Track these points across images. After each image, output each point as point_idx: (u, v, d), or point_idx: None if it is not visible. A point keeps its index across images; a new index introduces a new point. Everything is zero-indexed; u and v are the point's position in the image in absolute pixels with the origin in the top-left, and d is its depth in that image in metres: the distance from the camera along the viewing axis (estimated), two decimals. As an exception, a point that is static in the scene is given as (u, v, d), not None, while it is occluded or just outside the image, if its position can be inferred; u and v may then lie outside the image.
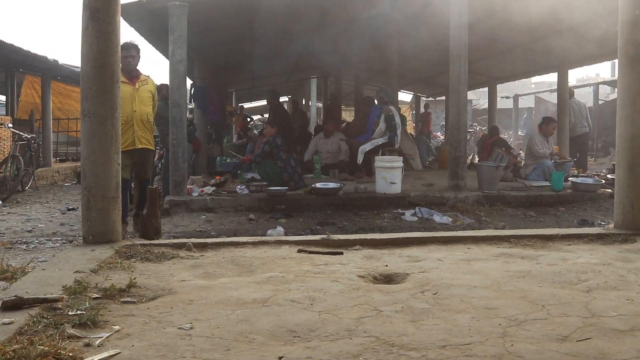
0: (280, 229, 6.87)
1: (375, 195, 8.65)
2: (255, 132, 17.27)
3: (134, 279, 3.42)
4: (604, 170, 12.90)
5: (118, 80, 4.63)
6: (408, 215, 7.83)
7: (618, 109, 5.20)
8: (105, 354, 2.32)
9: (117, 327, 2.65)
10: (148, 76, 7.12)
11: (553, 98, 19.92)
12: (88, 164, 4.51)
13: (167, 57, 9.02)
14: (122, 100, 5.77)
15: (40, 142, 13.59)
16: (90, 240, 4.51)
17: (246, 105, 27.07)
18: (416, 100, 24.45)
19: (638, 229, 5.05)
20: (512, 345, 2.45)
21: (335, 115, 15.25)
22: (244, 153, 13.70)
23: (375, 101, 11.15)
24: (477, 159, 15.31)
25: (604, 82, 24.01)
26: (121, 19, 4.83)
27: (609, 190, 8.69)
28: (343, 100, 21.20)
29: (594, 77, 37.41)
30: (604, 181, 9.60)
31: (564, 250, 4.52)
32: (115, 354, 2.34)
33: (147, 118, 6.84)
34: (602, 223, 7.16)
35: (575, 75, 66.67)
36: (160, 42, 11.04)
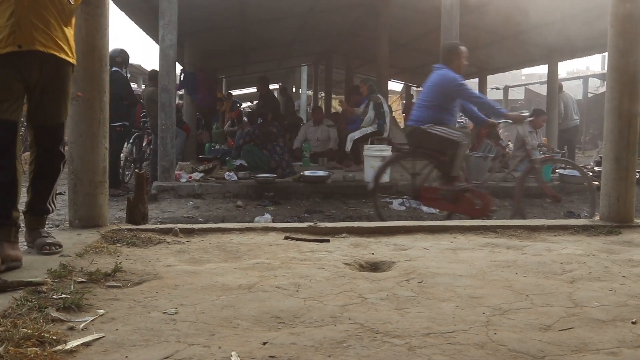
0: (267, 216, 6.87)
1: (363, 183, 8.67)
2: (245, 119, 17.23)
3: (120, 263, 3.41)
4: (591, 163, 12.97)
5: (107, 64, 4.60)
6: (396, 204, 7.86)
7: (606, 102, 5.22)
8: (89, 338, 2.32)
9: (101, 311, 2.65)
10: None
11: (543, 90, 19.97)
12: (75, 148, 4.49)
13: (157, 42, 8.97)
14: None
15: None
16: (77, 224, 4.49)
17: (237, 92, 26.98)
18: (407, 89, 24.47)
19: (623, 221, 5.09)
20: (495, 333, 2.47)
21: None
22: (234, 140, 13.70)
23: (361, 91, 11.12)
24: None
25: (594, 75, 24.12)
26: (111, 2, 4.80)
27: (596, 183, 8.74)
28: (333, 88, 21.18)
29: (584, 70, 37.54)
30: (591, 173, 9.65)
31: (549, 241, 4.54)
32: (99, 338, 2.33)
33: None
34: (588, 215, 7.21)
35: (565, 68, 66.96)
36: (150, 27, 11.01)
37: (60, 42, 3.60)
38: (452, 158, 6.26)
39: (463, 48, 6.44)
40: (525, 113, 7.14)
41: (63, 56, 3.63)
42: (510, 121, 6.55)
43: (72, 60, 3.75)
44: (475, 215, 6.06)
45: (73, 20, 3.81)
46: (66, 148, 4.00)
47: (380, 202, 6.78)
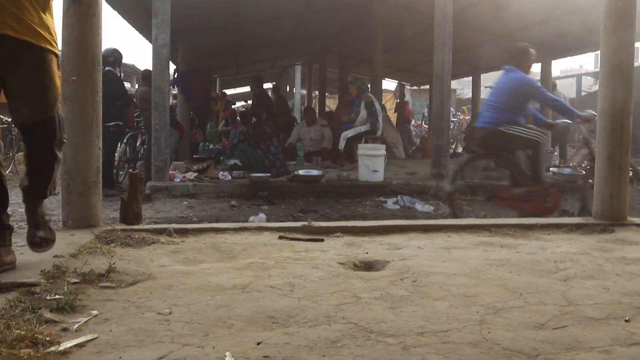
0: (262, 215, 6.87)
1: (357, 183, 8.67)
2: (239, 118, 17.22)
3: (114, 263, 3.40)
4: (585, 161, 12.96)
5: (99, 64, 4.59)
6: (390, 203, 7.86)
7: (599, 100, 5.24)
8: (82, 339, 2.31)
9: (95, 312, 2.64)
10: None
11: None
12: (69, 148, 4.46)
13: (150, 41, 8.95)
14: None
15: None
16: (70, 224, 4.48)
17: (231, 91, 26.95)
18: (401, 88, 24.48)
19: (616, 219, 5.11)
20: (489, 332, 2.47)
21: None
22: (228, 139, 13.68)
23: (350, 92, 11.10)
24: (459, 148, 15.35)
25: (587, 74, 24.19)
26: (104, 1, 4.78)
27: (590, 181, 8.75)
28: (327, 87, 21.18)
29: (577, 69, 37.56)
30: (584, 172, 9.66)
31: (543, 240, 4.55)
32: (93, 339, 2.33)
33: None
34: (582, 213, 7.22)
35: (558, 66, 67.16)
36: (143, 26, 10.97)
37: (37, 29, 3.17)
38: (535, 157, 6.41)
39: (533, 50, 6.58)
40: (594, 112, 7.37)
41: (42, 44, 3.20)
42: (571, 122, 6.74)
43: (54, 49, 3.29)
44: (545, 213, 6.19)
45: (51, 5, 3.35)
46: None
47: (458, 204, 6.92)
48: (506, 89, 6.43)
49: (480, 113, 7.14)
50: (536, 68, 15.96)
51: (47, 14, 3.28)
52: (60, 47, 3.62)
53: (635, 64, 5.38)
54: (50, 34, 3.27)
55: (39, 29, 3.18)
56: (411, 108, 24.41)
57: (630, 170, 5.84)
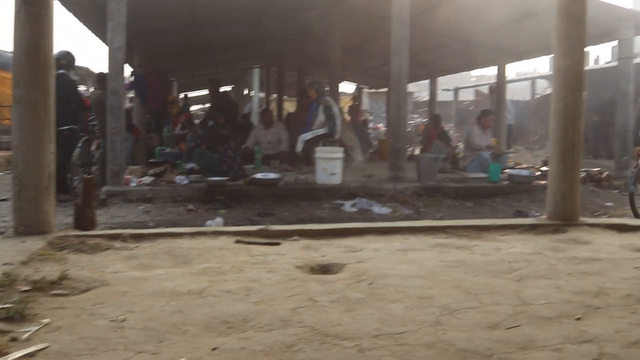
0: (219, 219, 6.81)
1: (315, 186, 8.66)
2: (197, 121, 17.04)
3: (66, 270, 3.34)
4: (539, 163, 13.22)
5: (52, 66, 4.50)
6: (348, 206, 7.87)
7: (552, 103, 5.34)
8: (32, 348, 2.26)
9: (46, 320, 2.58)
10: None
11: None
12: (20, 153, 4.38)
13: (106, 43, 8.80)
14: None
15: (-29, 130, 13.11)
16: (22, 231, 4.38)
17: (188, 94, 26.67)
18: (359, 91, 24.59)
19: (569, 220, 5.21)
20: (444, 333, 2.49)
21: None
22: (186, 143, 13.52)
23: (309, 95, 11.05)
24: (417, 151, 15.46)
25: (541, 77, 24.62)
26: (57, 2, 4.69)
27: (543, 182, 8.92)
28: (285, 90, 21.15)
29: (532, 72, 38.21)
30: (538, 173, 9.84)
31: (498, 240, 4.62)
32: (44, 348, 2.28)
33: None
34: (536, 214, 7.35)
35: (514, 70, 68.34)
36: (98, 28, 10.79)
37: None
38: None
39: None
40: None
41: None
42: None
43: None
44: None
45: None
46: None
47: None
48: None
49: None
50: (492, 71, 16.22)
51: None
52: (11, 49, 3.52)
53: (587, 67, 5.50)
54: None
55: None
56: (370, 111, 24.46)
57: (583, 171, 6.11)
